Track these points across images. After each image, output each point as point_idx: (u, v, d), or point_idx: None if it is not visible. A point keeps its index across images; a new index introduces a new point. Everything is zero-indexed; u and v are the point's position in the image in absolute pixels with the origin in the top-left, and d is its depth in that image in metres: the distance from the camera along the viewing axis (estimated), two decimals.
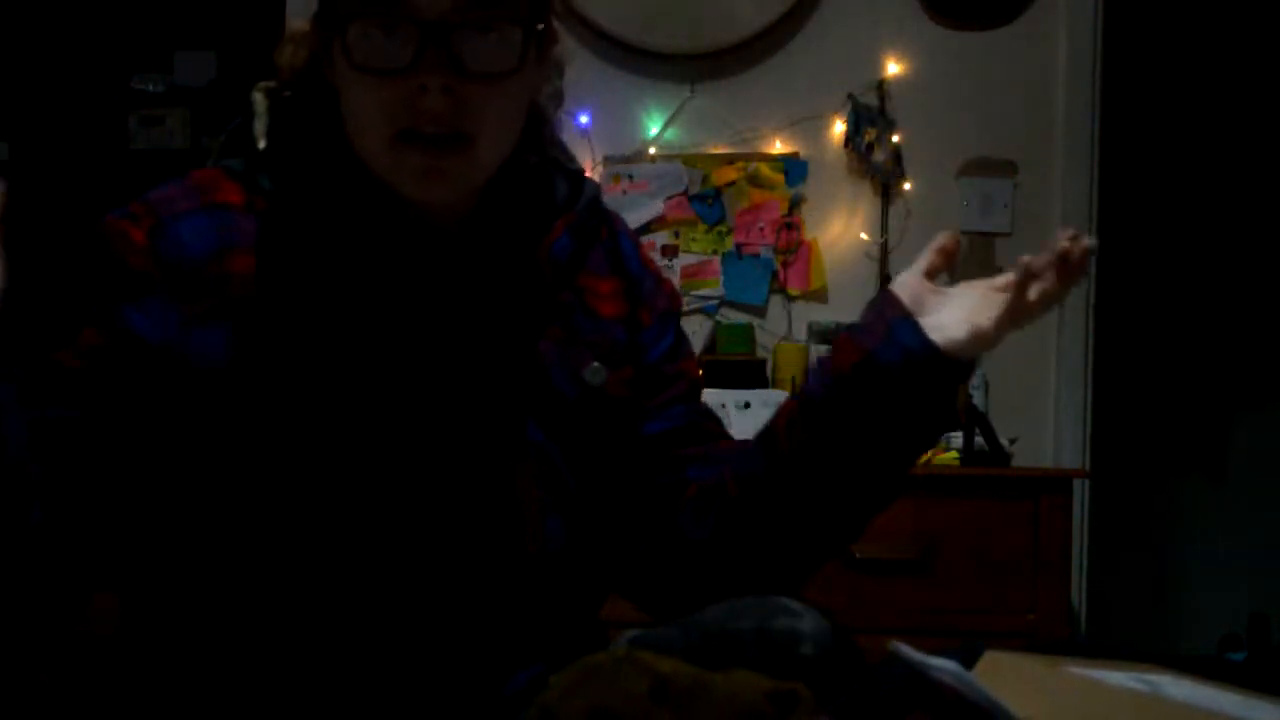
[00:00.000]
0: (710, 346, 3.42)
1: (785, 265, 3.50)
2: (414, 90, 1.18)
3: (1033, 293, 1.21)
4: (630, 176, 3.50)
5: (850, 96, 3.49)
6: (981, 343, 1.23)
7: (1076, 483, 3.21)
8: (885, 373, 1.24)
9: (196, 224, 1.21)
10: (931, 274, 1.27)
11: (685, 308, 3.49)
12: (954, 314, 1.24)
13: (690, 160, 3.51)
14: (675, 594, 1.36)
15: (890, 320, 1.25)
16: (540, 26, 1.24)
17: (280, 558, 1.19)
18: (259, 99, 1.29)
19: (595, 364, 1.32)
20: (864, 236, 3.52)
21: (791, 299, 3.51)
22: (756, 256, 3.50)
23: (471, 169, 1.23)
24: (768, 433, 1.36)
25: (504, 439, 1.26)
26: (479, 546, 1.23)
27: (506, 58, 1.21)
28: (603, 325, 1.36)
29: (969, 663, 0.98)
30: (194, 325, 1.19)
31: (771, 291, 3.51)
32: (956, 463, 3.02)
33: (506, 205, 1.30)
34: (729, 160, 3.51)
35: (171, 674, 1.23)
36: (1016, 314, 1.23)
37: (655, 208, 3.50)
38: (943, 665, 0.93)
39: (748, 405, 3.16)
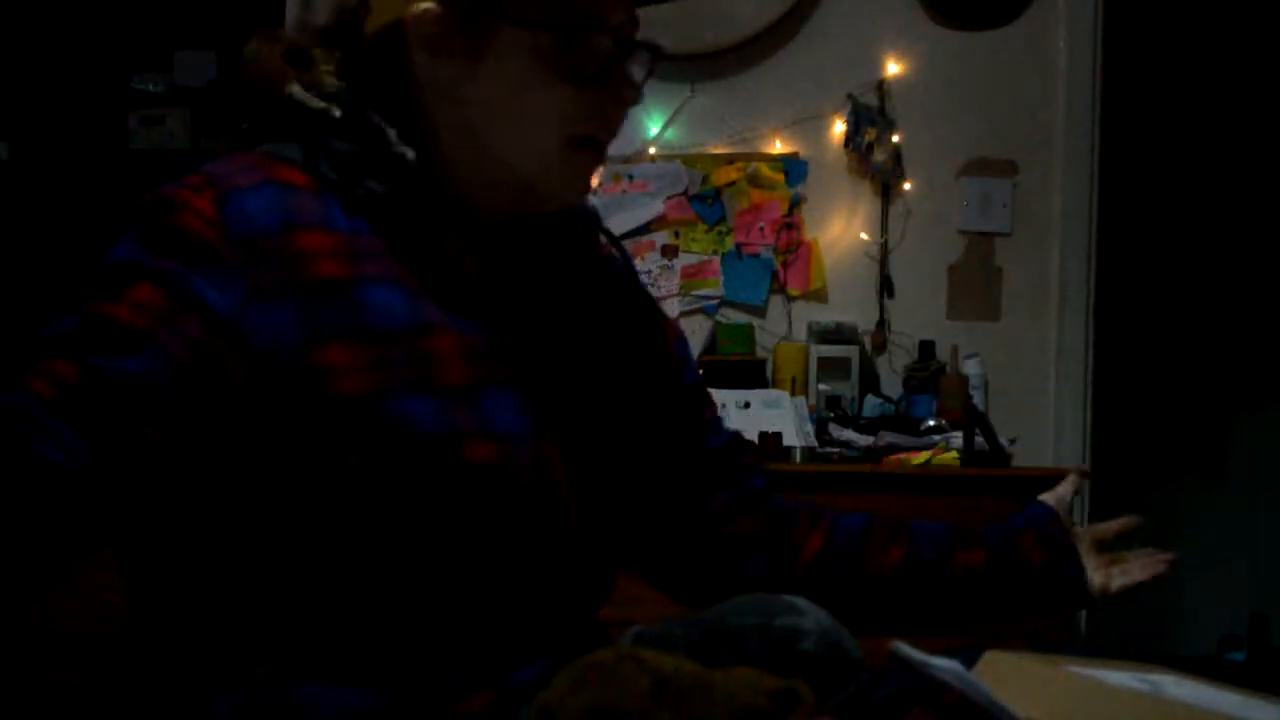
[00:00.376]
0: (710, 346, 3.42)
1: (785, 265, 3.50)
2: (606, 100, 1.24)
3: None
4: (630, 176, 3.50)
5: (850, 96, 3.50)
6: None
7: None
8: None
9: (263, 197, 1.17)
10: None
11: (685, 308, 3.51)
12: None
13: (690, 160, 3.51)
14: (709, 591, 1.39)
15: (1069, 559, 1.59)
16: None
17: (337, 530, 1.17)
18: (329, 82, 1.26)
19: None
20: (864, 236, 3.52)
21: (791, 299, 3.51)
22: (756, 256, 3.51)
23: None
24: (928, 542, 1.58)
25: (555, 417, 1.26)
26: (529, 514, 1.23)
27: (642, 77, 1.29)
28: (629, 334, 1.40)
29: (969, 663, 0.98)
30: (256, 300, 1.14)
31: (771, 291, 3.51)
32: (956, 463, 3.01)
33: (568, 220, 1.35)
34: (729, 160, 3.51)
35: (192, 658, 1.21)
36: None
37: (655, 208, 3.50)
38: (943, 665, 0.93)
39: (748, 405, 3.16)
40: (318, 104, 1.24)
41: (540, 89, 1.22)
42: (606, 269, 1.40)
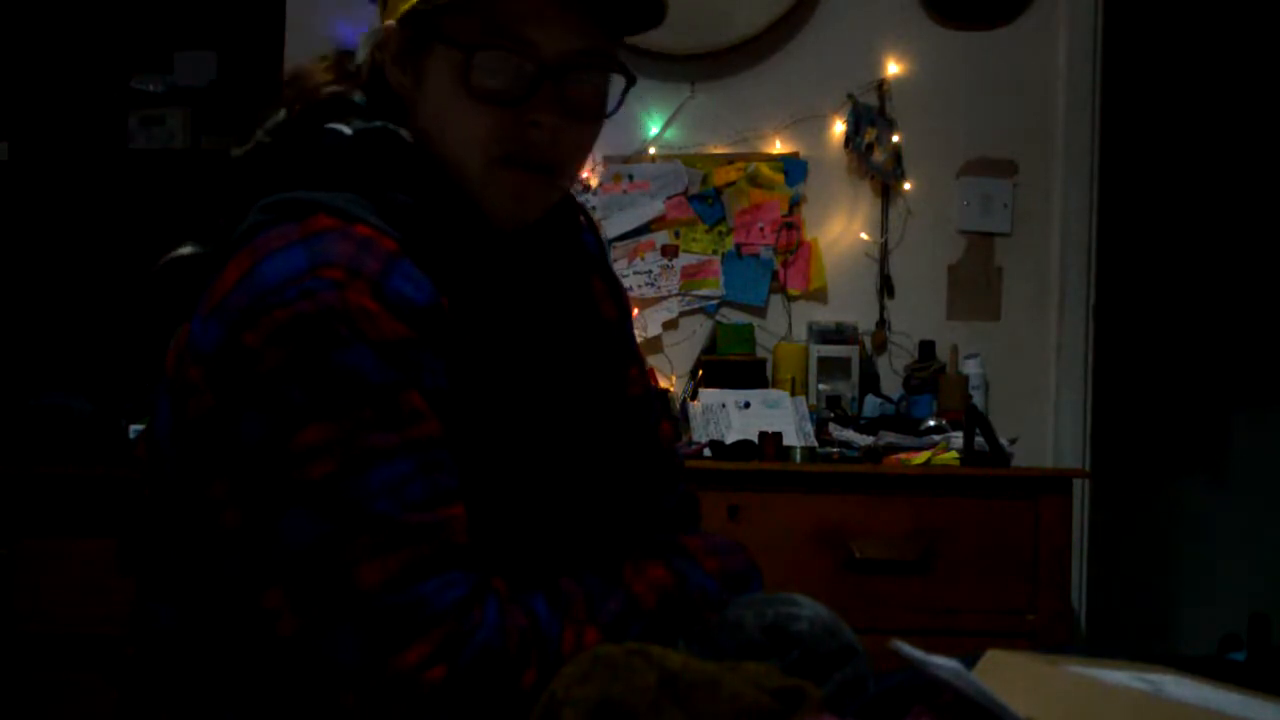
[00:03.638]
0: (710, 346, 3.42)
1: (785, 265, 3.50)
2: (525, 122, 1.25)
3: None
4: (630, 176, 3.50)
5: (850, 96, 3.50)
6: None
7: (1076, 483, 3.21)
8: None
9: (404, 275, 1.19)
10: None
11: (685, 308, 3.51)
12: None
13: (690, 160, 3.51)
14: None
15: None
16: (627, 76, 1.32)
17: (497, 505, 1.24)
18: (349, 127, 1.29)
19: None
20: (864, 236, 3.52)
21: (791, 299, 3.51)
22: (756, 256, 3.51)
23: (552, 195, 1.33)
24: None
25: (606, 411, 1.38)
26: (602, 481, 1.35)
27: (602, 102, 1.30)
28: (609, 325, 1.45)
29: (969, 662, 0.98)
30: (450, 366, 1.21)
31: (771, 291, 3.51)
32: (956, 463, 3.01)
33: (555, 214, 1.38)
34: (729, 160, 3.51)
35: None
36: None
37: (655, 208, 3.50)
38: (943, 664, 0.93)
39: (747, 405, 3.16)
40: (357, 125, 1.27)
41: (462, 109, 1.25)
42: (582, 253, 1.44)
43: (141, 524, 1.28)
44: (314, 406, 1.11)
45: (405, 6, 1.25)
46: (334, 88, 1.31)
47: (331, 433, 1.10)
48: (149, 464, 1.27)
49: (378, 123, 1.27)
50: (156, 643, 1.26)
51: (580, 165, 1.34)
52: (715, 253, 3.51)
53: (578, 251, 1.42)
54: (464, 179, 1.27)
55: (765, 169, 3.50)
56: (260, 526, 1.13)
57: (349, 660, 1.09)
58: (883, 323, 3.50)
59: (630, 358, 1.46)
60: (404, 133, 1.27)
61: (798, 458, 3.00)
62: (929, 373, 3.38)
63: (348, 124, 1.27)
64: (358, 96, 1.30)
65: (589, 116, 1.29)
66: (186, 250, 1.29)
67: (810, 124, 3.51)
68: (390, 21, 1.27)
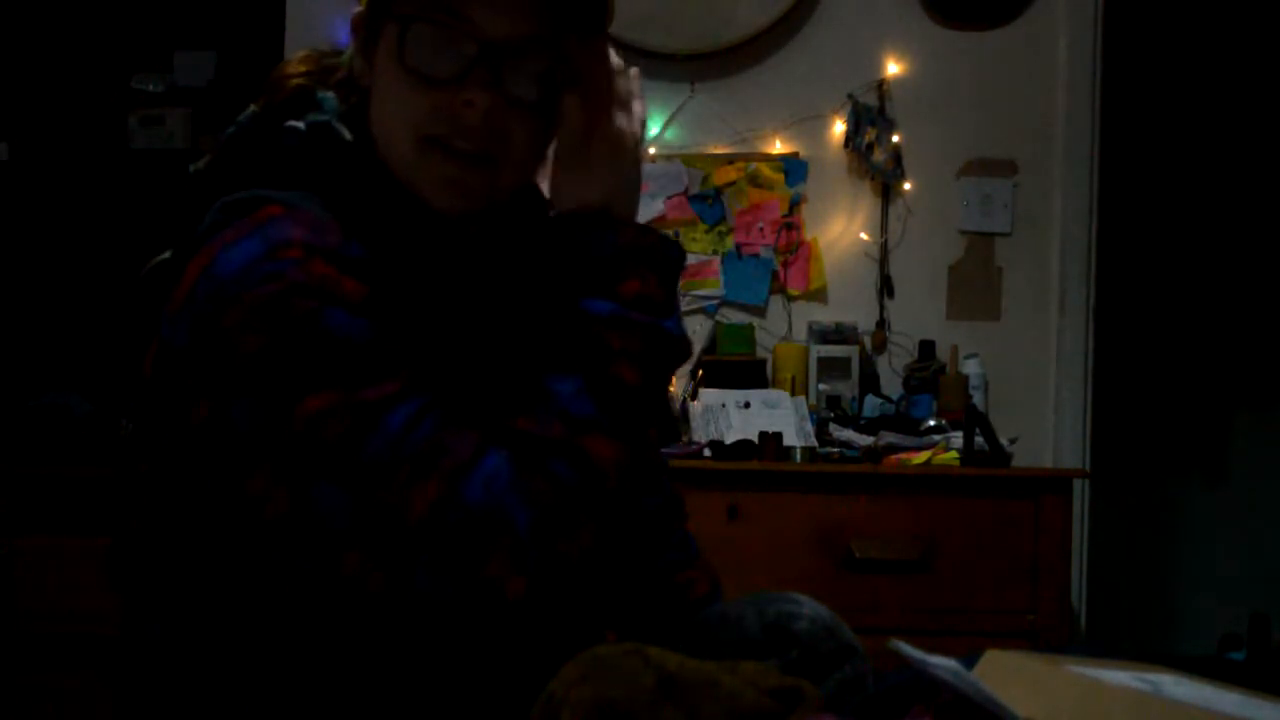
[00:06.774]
0: (710, 346, 3.42)
1: (785, 265, 3.50)
2: (457, 103, 1.21)
3: None
4: None
5: (850, 96, 3.50)
6: None
7: (1076, 483, 3.21)
8: None
9: (359, 249, 1.20)
10: None
11: (685, 308, 3.51)
12: None
13: (690, 160, 3.51)
14: None
15: None
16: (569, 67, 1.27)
17: None
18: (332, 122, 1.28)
19: None
20: (864, 236, 3.52)
21: (791, 299, 3.51)
22: (756, 256, 3.50)
23: (492, 189, 1.26)
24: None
25: None
26: None
27: (547, 95, 1.24)
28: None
29: (969, 663, 0.98)
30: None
31: (771, 291, 3.51)
32: (956, 463, 3.01)
33: (518, 214, 1.35)
34: (729, 160, 3.51)
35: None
36: None
37: (655, 208, 3.50)
38: (942, 663, 0.93)
39: (747, 405, 3.16)
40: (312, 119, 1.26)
41: (403, 88, 1.23)
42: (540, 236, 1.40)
43: (130, 538, 1.28)
44: (305, 378, 1.11)
45: None
46: (299, 81, 1.29)
47: (332, 399, 1.10)
48: (135, 474, 1.26)
49: (323, 118, 1.26)
50: (149, 658, 1.25)
51: (527, 160, 1.28)
52: (715, 253, 3.51)
53: (540, 247, 1.38)
54: (399, 165, 1.24)
55: (765, 169, 3.50)
56: (295, 508, 1.12)
57: (438, 589, 1.09)
58: (883, 323, 3.50)
59: None
60: (341, 128, 1.26)
61: (798, 458, 3.00)
62: (929, 373, 3.38)
63: (303, 120, 1.27)
64: (323, 93, 1.29)
65: (529, 107, 1.24)
66: (167, 255, 1.28)
67: (810, 124, 3.51)
68: (359, 8, 1.27)
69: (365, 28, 1.27)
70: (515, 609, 1.08)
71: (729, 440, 3.05)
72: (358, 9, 1.28)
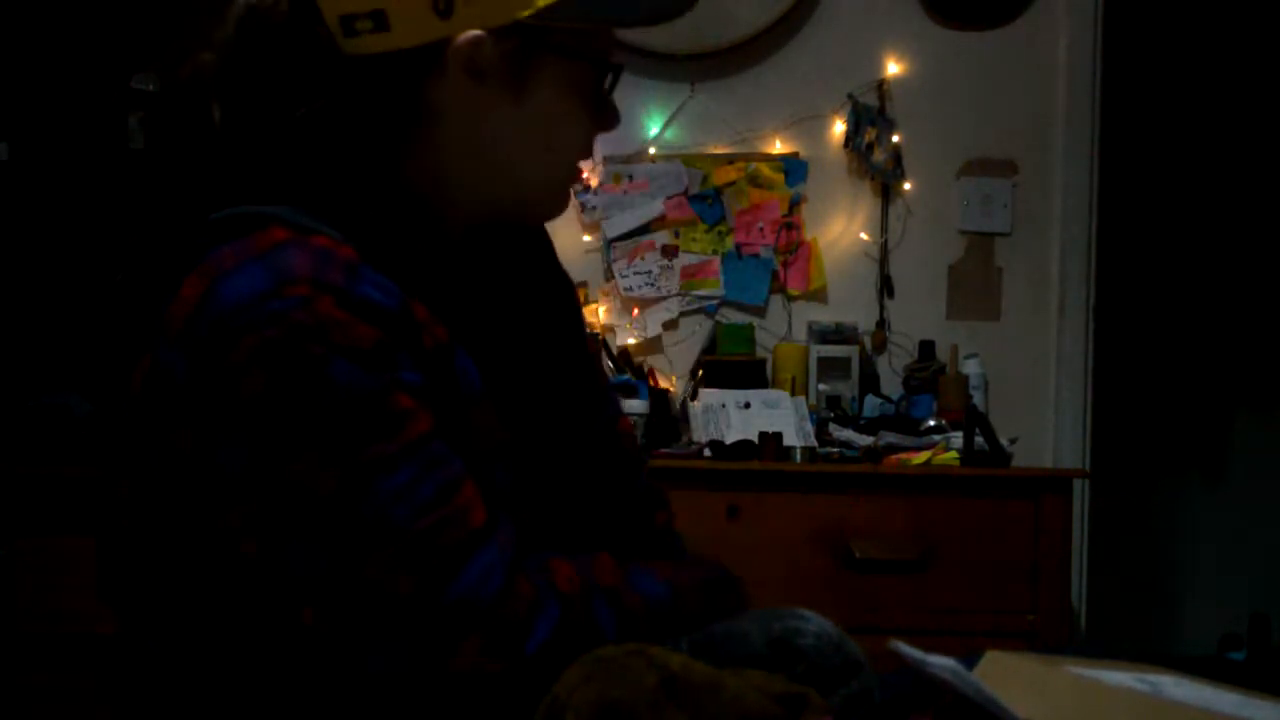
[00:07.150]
0: (710, 346, 3.42)
1: (785, 265, 3.50)
2: (601, 129, 1.31)
3: None
4: (630, 176, 3.50)
5: (850, 96, 3.50)
6: None
7: (1076, 483, 3.21)
8: None
9: (370, 282, 1.15)
10: None
11: (685, 308, 3.51)
12: None
13: (690, 160, 3.51)
14: None
15: None
16: None
17: None
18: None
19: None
20: (864, 236, 3.52)
21: (791, 299, 3.51)
22: (756, 256, 3.50)
23: None
24: None
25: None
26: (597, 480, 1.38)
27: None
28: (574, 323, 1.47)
29: (969, 663, 0.98)
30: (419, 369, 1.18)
31: (771, 291, 3.51)
32: (956, 463, 3.01)
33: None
34: (729, 160, 3.51)
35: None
36: None
37: (655, 208, 3.50)
38: (942, 664, 0.93)
39: (747, 405, 3.16)
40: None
41: (571, 119, 1.27)
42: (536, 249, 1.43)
43: (116, 557, 1.27)
44: (301, 430, 1.08)
45: (505, 17, 1.20)
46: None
47: (327, 453, 1.08)
48: (118, 492, 1.25)
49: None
50: (146, 673, 1.24)
51: None
52: (715, 253, 3.51)
53: (536, 248, 1.41)
54: (534, 186, 1.29)
55: (765, 169, 3.50)
56: (270, 557, 1.11)
57: (396, 669, 1.09)
58: (882, 323, 3.50)
59: (594, 355, 1.48)
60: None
61: (797, 458, 3.00)
62: (929, 373, 3.38)
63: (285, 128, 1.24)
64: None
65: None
66: (145, 261, 1.22)
67: (810, 124, 3.51)
68: (476, 32, 1.20)
69: (506, 59, 1.22)
70: (481, 690, 1.09)
71: (729, 440, 3.05)
72: (479, 35, 1.21)
